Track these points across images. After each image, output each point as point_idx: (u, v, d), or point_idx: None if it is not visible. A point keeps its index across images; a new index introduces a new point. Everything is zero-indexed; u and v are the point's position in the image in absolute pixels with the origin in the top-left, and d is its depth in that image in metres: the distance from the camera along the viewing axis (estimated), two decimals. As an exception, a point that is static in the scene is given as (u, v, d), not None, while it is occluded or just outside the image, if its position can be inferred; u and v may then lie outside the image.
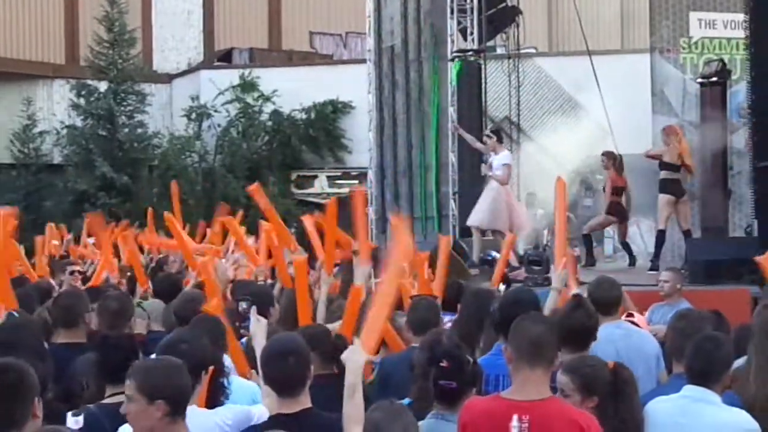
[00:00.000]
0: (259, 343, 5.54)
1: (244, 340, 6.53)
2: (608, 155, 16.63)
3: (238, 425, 5.04)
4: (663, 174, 15.45)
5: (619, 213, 16.70)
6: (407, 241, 5.27)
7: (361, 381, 4.68)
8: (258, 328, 5.78)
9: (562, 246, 8.01)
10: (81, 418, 5.09)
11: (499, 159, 15.44)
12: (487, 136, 15.97)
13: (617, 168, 16.54)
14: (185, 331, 5.34)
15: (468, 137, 16.95)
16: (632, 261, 16.83)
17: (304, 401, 4.90)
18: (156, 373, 4.49)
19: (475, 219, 15.49)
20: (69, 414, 5.17)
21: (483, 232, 15.60)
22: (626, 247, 17.15)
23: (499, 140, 15.78)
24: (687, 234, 15.61)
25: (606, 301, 7.19)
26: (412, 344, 6.61)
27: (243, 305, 6.22)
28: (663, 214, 15.42)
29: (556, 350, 4.84)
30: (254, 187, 9.53)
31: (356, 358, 4.71)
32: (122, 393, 5.28)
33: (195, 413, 4.87)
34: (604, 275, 8.03)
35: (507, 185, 15.48)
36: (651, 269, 14.63)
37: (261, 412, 5.10)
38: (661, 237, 15.52)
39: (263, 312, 7.00)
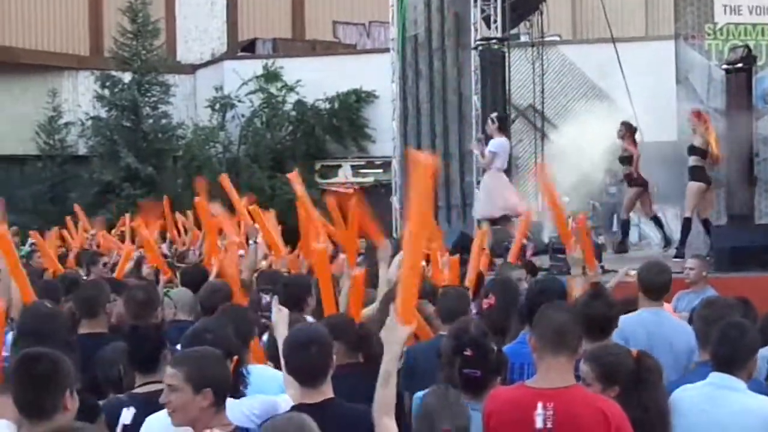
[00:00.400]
0: (281, 334, 5.52)
1: (265, 338, 6.50)
2: (627, 125, 16.39)
3: (265, 415, 5.04)
4: (693, 160, 15.28)
5: (644, 182, 16.53)
6: (426, 182, 4.58)
7: (396, 368, 4.52)
8: (279, 319, 5.75)
9: (563, 229, 7.97)
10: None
11: (489, 145, 15.54)
12: (491, 120, 15.98)
13: (634, 139, 16.39)
14: (211, 320, 5.36)
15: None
16: (667, 241, 16.56)
17: (327, 391, 4.88)
18: (203, 362, 4.47)
19: (476, 212, 15.65)
20: (124, 409, 5.20)
21: (493, 222, 15.62)
22: (657, 222, 16.87)
23: (500, 128, 15.79)
24: (705, 223, 15.50)
25: (653, 285, 7.22)
26: (440, 332, 6.61)
27: (266, 297, 6.20)
28: (692, 201, 15.29)
29: (579, 339, 4.86)
30: (293, 175, 9.52)
31: (395, 339, 4.45)
32: (152, 383, 5.34)
33: (228, 404, 4.89)
34: (656, 259, 8.01)
35: (493, 171, 15.52)
36: (676, 257, 14.56)
37: (287, 403, 5.11)
38: (687, 224, 15.42)
39: (301, 303, 7.01)
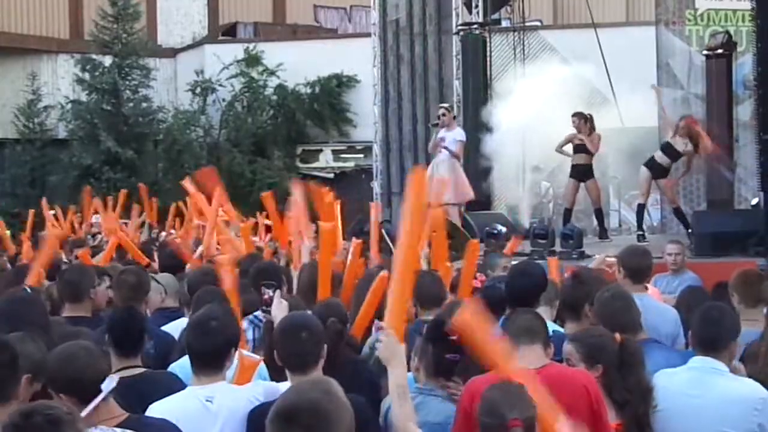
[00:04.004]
0: None
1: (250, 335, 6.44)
2: (579, 115, 16.21)
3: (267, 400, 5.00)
4: (665, 160, 15.34)
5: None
6: (420, 200, 4.63)
7: (407, 380, 4.47)
8: (279, 312, 5.72)
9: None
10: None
11: (453, 134, 15.53)
12: (447, 109, 15.96)
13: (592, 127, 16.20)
14: (216, 307, 5.29)
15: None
16: (603, 233, 16.59)
17: None
18: (51, 367, 4.35)
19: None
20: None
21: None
22: (599, 215, 16.90)
23: (455, 117, 15.82)
24: (642, 207, 15.77)
25: (636, 268, 7.26)
26: (420, 318, 6.58)
27: (269, 292, 6.12)
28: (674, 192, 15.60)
29: (548, 336, 5.08)
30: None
31: (399, 357, 4.42)
32: (130, 367, 5.33)
33: (226, 390, 4.89)
34: (637, 244, 8.04)
35: (449, 158, 15.56)
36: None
37: None
38: (680, 213, 15.63)
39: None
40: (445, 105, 16.42)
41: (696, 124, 15.57)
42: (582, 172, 15.98)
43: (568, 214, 16.22)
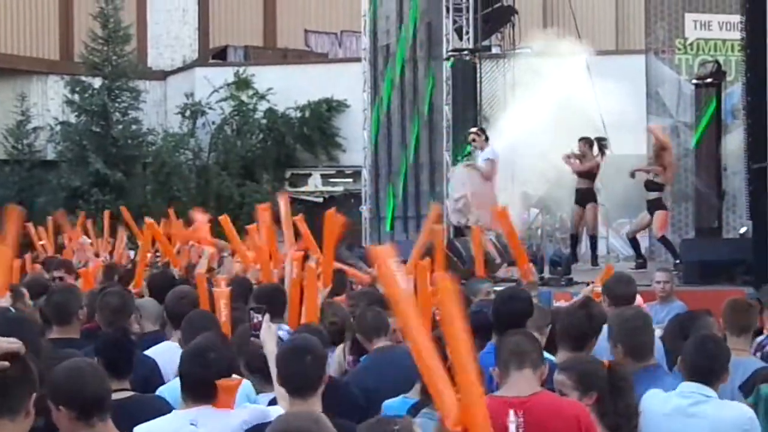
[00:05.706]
0: (270, 351, 5.45)
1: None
2: (585, 140, 16.31)
3: (255, 422, 4.98)
4: (655, 195, 15.52)
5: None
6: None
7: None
8: (268, 336, 5.69)
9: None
10: None
11: (483, 154, 15.51)
12: (476, 134, 15.95)
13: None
14: (212, 337, 5.24)
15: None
16: (594, 259, 16.68)
17: (316, 405, 4.74)
18: (57, 379, 4.35)
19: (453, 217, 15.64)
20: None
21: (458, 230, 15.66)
22: (593, 242, 17.02)
23: (486, 138, 15.85)
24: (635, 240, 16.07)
25: (620, 296, 7.28)
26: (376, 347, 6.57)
27: (258, 317, 6.07)
28: (665, 223, 15.69)
29: (540, 355, 5.03)
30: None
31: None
32: (119, 390, 5.30)
33: (211, 413, 4.86)
34: (623, 271, 8.09)
35: (489, 181, 15.53)
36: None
37: (278, 413, 5.03)
38: (666, 241, 15.69)
39: (278, 312, 6.95)
40: (474, 129, 16.39)
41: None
42: (582, 197, 16.12)
43: (573, 240, 16.43)
